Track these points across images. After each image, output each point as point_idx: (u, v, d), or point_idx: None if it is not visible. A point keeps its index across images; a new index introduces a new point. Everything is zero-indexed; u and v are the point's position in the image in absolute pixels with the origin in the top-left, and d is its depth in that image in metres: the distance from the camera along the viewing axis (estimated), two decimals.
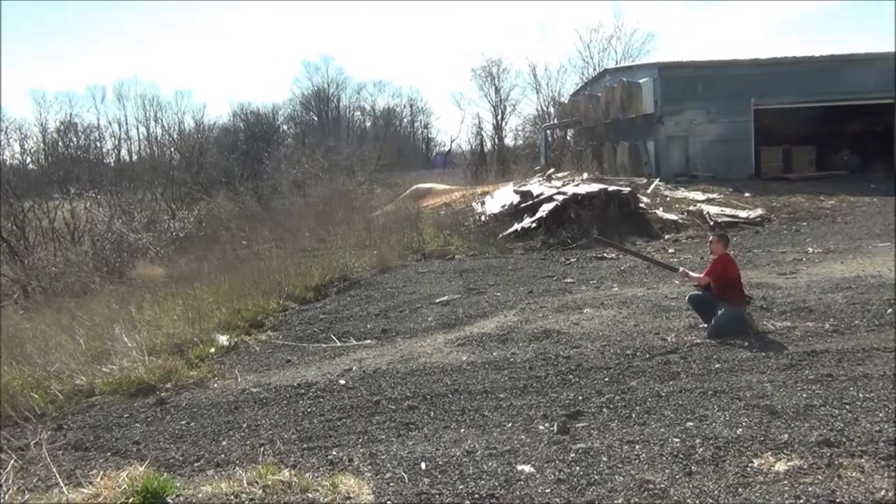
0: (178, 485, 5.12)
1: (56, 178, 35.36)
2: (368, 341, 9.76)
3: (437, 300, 11.85)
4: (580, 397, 6.48)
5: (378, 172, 41.03)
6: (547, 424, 5.84)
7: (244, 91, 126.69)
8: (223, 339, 10.07)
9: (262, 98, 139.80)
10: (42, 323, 10.99)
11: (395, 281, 13.96)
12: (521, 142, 56.92)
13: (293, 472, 5.11)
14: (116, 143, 65.63)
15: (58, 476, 5.40)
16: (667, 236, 18.16)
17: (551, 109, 52.93)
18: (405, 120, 77.17)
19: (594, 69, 51.08)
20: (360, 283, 14.10)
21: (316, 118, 71.67)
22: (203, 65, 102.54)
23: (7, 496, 5.06)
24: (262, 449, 5.76)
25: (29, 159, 51.92)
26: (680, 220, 19.35)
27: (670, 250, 16.24)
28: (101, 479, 5.15)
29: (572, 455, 5.14)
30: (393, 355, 8.61)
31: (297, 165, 36.92)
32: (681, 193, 22.76)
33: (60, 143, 57.03)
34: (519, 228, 18.76)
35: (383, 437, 5.91)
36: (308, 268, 14.92)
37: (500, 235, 18.53)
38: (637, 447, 5.18)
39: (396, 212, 24.72)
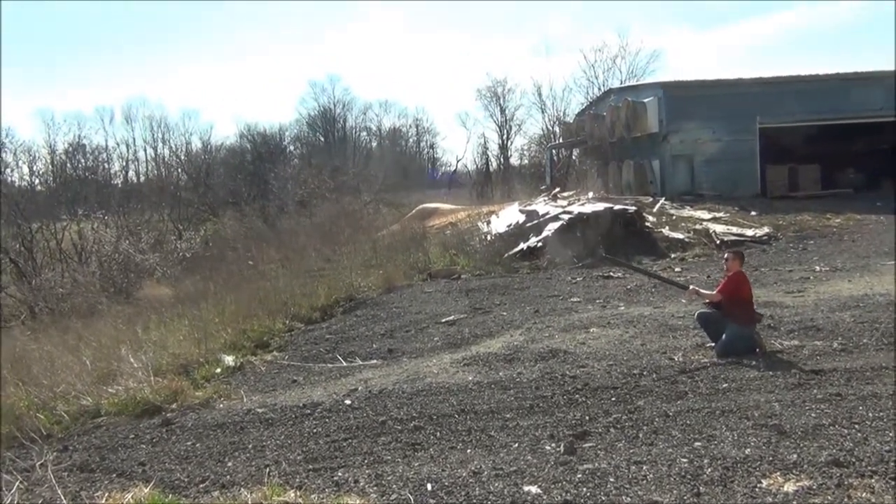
0: None
1: (64, 199, 35.60)
2: (374, 361, 9.75)
3: (443, 320, 11.84)
4: (587, 417, 6.44)
5: (384, 192, 41.24)
6: (553, 445, 5.80)
7: (251, 111, 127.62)
8: (229, 360, 10.08)
9: (269, 118, 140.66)
10: (48, 344, 11.03)
11: (401, 301, 13.95)
12: (526, 161, 57.17)
13: (298, 493, 5.10)
14: (124, 164, 66.05)
15: (62, 498, 5.40)
16: (673, 255, 18.13)
17: (556, 129, 53.14)
18: (411, 140, 77.57)
19: (599, 89, 51.34)
20: (366, 302, 14.10)
21: (322, 138, 72.05)
22: (210, 85, 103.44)
23: None
24: (267, 470, 5.72)
25: (37, 181, 52.32)
26: (686, 239, 19.33)
27: (676, 269, 16.20)
28: (106, 500, 5.16)
29: (579, 476, 5.10)
30: (399, 375, 8.59)
31: (303, 185, 37.15)
32: (687, 212, 22.76)
33: (69, 165, 57.47)
34: (525, 248, 18.77)
35: (389, 457, 5.87)
36: (314, 288, 14.95)
37: (506, 255, 18.53)
38: (644, 468, 5.14)
39: (402, 231, 24.79)
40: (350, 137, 74.17)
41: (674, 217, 21.90)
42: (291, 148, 64.18)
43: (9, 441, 7.26)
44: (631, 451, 5.54)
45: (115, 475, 6.09)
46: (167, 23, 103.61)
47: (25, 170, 52.42)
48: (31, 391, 8.49)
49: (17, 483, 5.75)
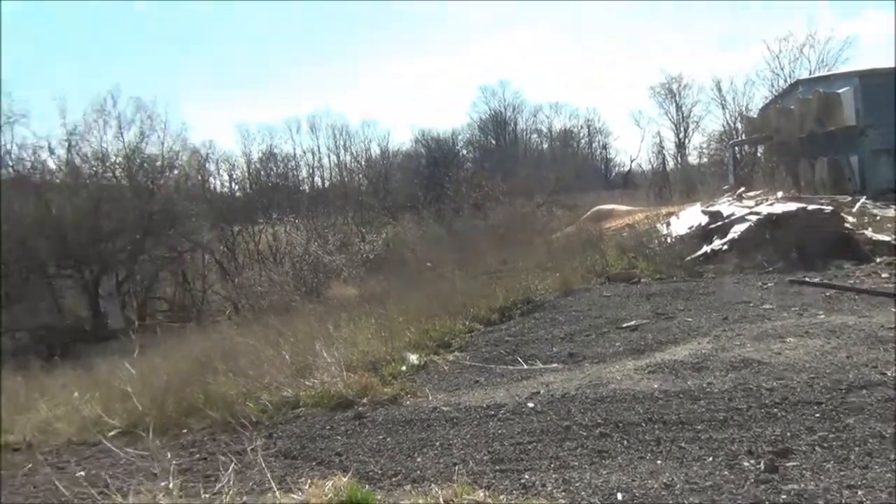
0: (379, 498, 5.35)
1: (259, 204, 38.46)
2: (555, 365, 9.69)
3: (624, 325, 11.55)
4: (788, 433, 6.02)
5: (556, 194, 41.02)
6: (752, 461, 5.47)
7: (425, 118, 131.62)
8: (413, 358, 10.39)
9: (442, 124, 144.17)
10: (252, 338, 11.92)
11: (579, 304, 13.78)
12: (706, 160, 54.66)
13: (487, 493, 5.16)
14: (310, 170, 70.26)
15: (271, 481, 5.81)
16: (878, 259, 16.53)
17: (738, 125, 50.40)
18: (583, 141, 76.52)
19: (785, 81, 48.03)
20: (543, 305, 14.05)
21: (494, 142, 72.86)
22: (387, 94, 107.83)
23: (229, 497, 5.53)
24: (455, 468, 5.86)
25: (236, 187, 57.00)
26: (894, 242, 17.57)
27: (884, 275, 14.76)
28: (309, 486, 5.50)
29: (783, 496, 4.78)
30: (581, 380, 8.48)
31: (476, 189, 37.77)
32: (892, 212, 20.70)
33: (262, 172, 62.06)
34: (708, 251, 17.90)
35: (576, 463, 5.82)
36: (491, 289, 15.10)
37: (688, 258, 17.75)
38: (860, 492, 4.72)
39: (577, 233, 24.50)
40: (521, 140, 74.45)
41: (878, 217, 20.00)
42: (464, 152, 65.53)
43: (224, 425, 7.97)
44: (842, 473, 5.11)
45: (314, 463, 6.50)
46: (346, 43, 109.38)
47: (226, 177, 57.27)
48: (239, 381, 9.24)
49: (233, 465, 6.28)
